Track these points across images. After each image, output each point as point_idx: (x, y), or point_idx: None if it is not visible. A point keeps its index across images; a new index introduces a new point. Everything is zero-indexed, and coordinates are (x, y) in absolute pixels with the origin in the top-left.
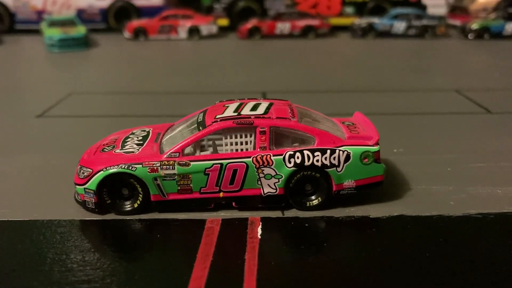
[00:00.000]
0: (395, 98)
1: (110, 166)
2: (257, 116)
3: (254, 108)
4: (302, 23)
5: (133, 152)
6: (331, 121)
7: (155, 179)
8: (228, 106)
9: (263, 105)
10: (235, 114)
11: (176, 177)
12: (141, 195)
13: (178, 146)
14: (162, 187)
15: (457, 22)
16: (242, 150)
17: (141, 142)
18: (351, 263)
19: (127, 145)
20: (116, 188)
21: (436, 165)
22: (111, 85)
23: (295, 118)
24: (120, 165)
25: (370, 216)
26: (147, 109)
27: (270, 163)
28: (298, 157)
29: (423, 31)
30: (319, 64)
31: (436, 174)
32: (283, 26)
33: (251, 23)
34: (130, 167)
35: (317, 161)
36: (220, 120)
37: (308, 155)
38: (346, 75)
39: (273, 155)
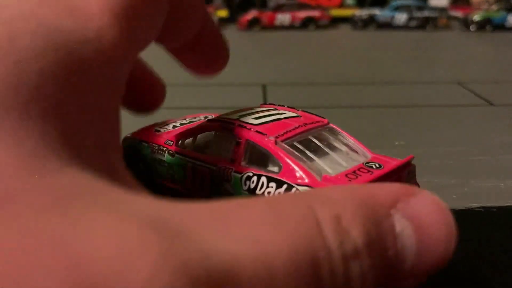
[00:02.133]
0: (396, 91)
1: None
2: (240, 125)
3: (263, 117)
4: (302, 14)
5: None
6: (350, 159)
7: (154, 160)
8: (253, 111)
9: (273, 117)
10: (236, 118)
11: (166, 164)
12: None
13: (172, 134)
14: (158, 170)
15: (458, 13)
16: (220, 156)
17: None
18: None
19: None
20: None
21: (438, 158)
22: None
23: (278, 138)
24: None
25: None
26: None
27: (229, 179)
28: (253, 182)
29: (425, 23)
30: (319, 56)
31: (438, 167)
32: (283, 18)
33: (251, 14)
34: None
35: (269, 192)
36: (211, 121)
37: (262, 183)
38: (347, 67)
39: (235, 171)
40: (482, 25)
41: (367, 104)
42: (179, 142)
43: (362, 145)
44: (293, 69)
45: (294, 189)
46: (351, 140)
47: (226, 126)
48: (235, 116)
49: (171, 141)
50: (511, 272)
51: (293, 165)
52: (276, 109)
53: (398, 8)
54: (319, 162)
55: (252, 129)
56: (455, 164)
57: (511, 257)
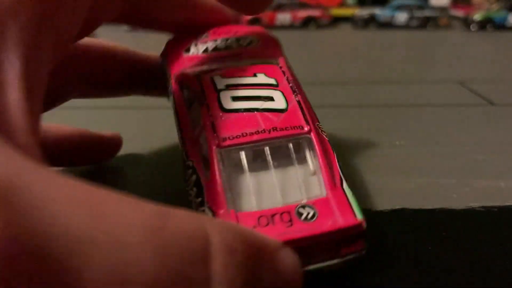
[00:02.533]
0: (396, 90)
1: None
2: (207, 105)
3: (245, 99)
4: (303, 13)
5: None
6: (295, 192)
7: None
8: (250, 81)
9: (254, 104)
10: (222, 88)
11: (172, 103)
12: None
13: (188, 64)
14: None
15: (459, 13)
16: (193, 123)
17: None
18: None
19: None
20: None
21: (438, 158)
22: None
23: (225, 141)
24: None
25: (372, 210)
26: (150, 100)
27: (182, 156)
28: (187, 175)
29: (425, 22)
30: (320, 55)
31: (439, 166)
32: (283, 17)
33: None
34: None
35: (189, 195)
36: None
37: (190, 182)
38: (347, 66)
39: (185, 152)
40: (483, 25)
41: (367, 104)
42: (181, 82)
43: (327, 175)
44: (293, 68)
45: (202, 209)
46: (317, 165)
47: (197, 96)
48: (222, 84)
49: (177, 76)
50: None
51: (217, 183)
52: (277, 84)
53: (398, 8)
54: (250, 186)
55: (211, 117)
56: (455, 163)
57: None
